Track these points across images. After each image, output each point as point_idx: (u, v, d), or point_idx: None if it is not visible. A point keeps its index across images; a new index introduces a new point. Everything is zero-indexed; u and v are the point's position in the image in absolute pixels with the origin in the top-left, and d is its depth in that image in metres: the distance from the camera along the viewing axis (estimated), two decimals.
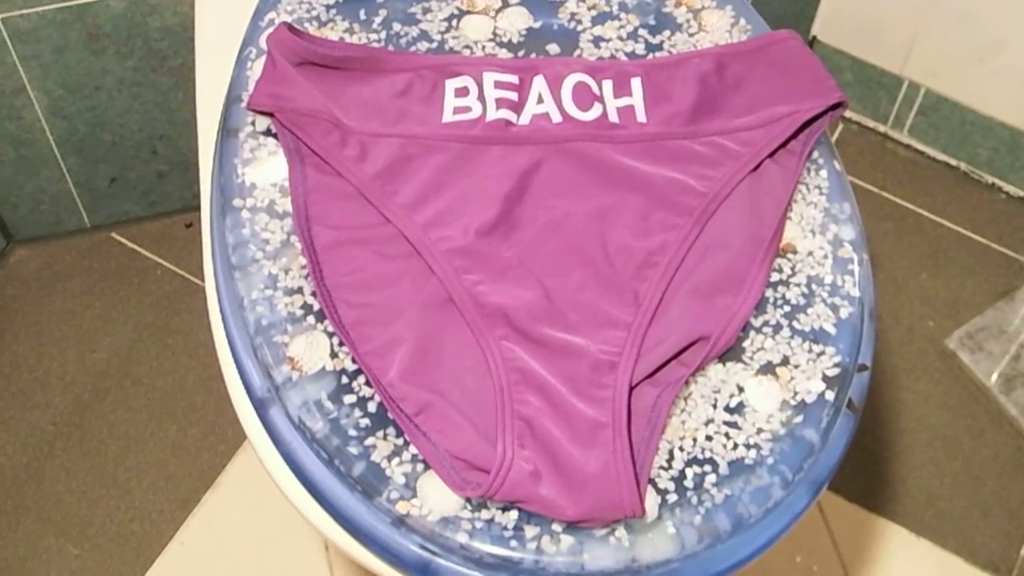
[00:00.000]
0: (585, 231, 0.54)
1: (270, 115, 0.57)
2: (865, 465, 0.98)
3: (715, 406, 0.51)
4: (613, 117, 0.57)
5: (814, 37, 1.17)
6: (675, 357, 0.51)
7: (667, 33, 0.63)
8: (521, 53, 0.62)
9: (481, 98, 0.57)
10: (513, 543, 0.46)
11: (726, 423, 0.50)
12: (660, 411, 0.49)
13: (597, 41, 0.63)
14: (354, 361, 0.51)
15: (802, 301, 0.54)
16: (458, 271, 0.52)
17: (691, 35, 0.63)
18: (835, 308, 0.54)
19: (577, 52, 0.62)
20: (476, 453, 0.47)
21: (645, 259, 0.53)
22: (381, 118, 0.57)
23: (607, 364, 0.49)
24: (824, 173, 0.58)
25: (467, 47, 0.62)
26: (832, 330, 0.53)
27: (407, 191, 0.54)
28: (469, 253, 0.52)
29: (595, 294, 0.52)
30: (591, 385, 0.49)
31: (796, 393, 0.51)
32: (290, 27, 0.58)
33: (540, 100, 0.57)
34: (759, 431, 0.50)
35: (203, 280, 0.58)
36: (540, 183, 0.55)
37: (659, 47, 0.63)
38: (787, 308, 0.54)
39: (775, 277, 0.55)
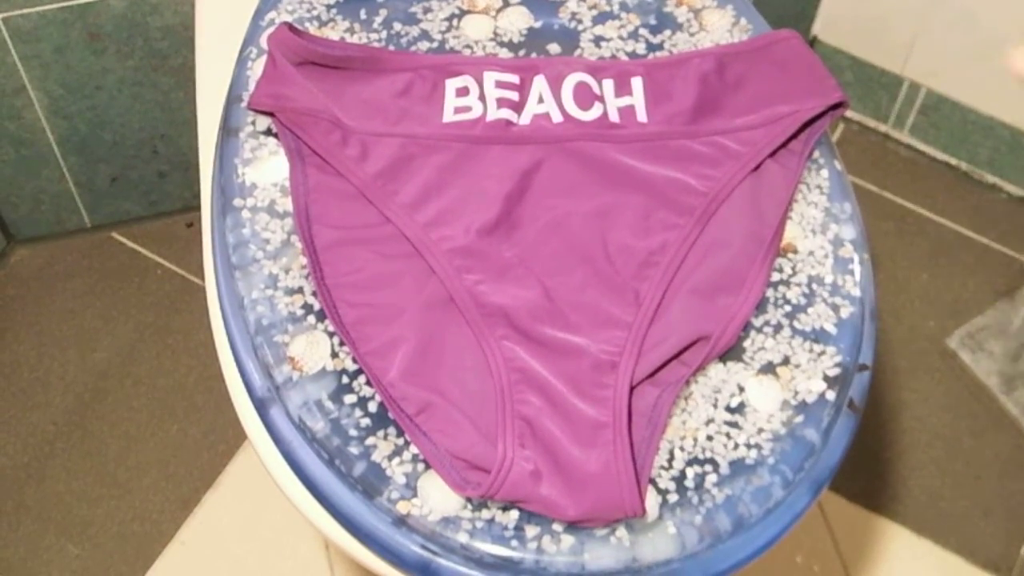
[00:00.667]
0: (586, 231, 0.54)
1: (271, 115, 0.57)
2: (866, 465, 0.98)
3: (716, 406, 0.51)
4: (614, 117, 0.57)
5: (815, 37, 1.17)
6: (676, 357, 0.51)
7: (668, 33, 0.63)
8: (522, 53, 0.62)
9: (482, 98, 0.57)
10: (514, 543, 0.46)
11: (727, 423, 0.50)
12: (661, 411, 0.49)
13: (598, 41, 0.63)
14: (355, 361, 0.51)
15: (803, 301, 0.54)
16: (459, 271, 0.52)
17: (692, 35, 0.63)
18: (836, 308, 0.54)
19: (578, 52, 0.62)
20: (477, 453, 0.47)
21: (646, 259, 0.53)
22: (382, 118, 0.57)
23: (608, 364, 0.49)
24: (825, 173, 0.58)
25: (468, 47, 0.62)
26: (833, 330, 0.53)
27: (408, 191, 0.54)
28: (470, 253, 0.52)
29: (596, 294, 0.52)
30: (592, 385, 0.49)
31: (797, 393, 0.51)
32: (291, 27, 0.58)
33: (541, 100, 0.57)
34: (760, 431, 0.50)
35: (204, 280, 0.58)
36: (541, 183, 0.55)
37: (660, 47, 0.63)
38: (788, 308, 0.54)
39: (776, 277, 0.55)
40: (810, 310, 0.54)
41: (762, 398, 0.51)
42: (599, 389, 0.49)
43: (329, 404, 0.49)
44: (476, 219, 0.53)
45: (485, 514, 0.47)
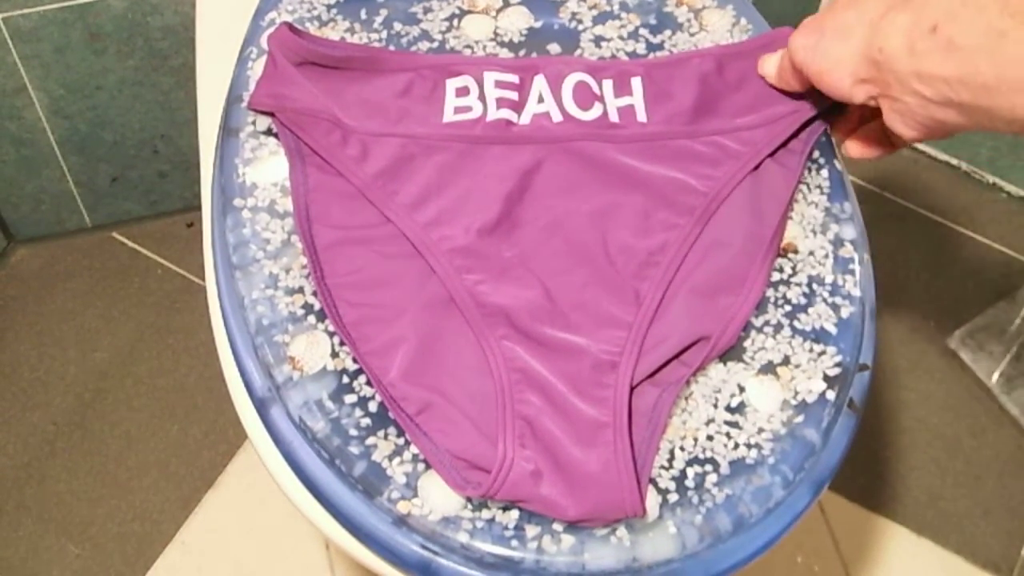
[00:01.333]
0: (586, 231, 0.54)
1: (271, 115, 0.57)
2: (866, 465, 0.98)
3: (716, 406, 0.51)
4: (614, 117, 0.57)
5: None
6: (676, 357, 0.51)
7: (668, 33, 0.63)
8: (522, 53, 0.62)
9: (482, 98, 0.57)
10: (514, 543, 0.46)
11: (727, 423, 0.50)
12: (661, 411, 0.49)
13: (598, 41, 0.63)
14: (355, 361, 0.51)
15: (803, 301, 0.54)
16: (459, 271, 0.52)
17: (692, 35, 0.63)
18: (836, 308, 0.54)
19: (578, 52, 0.62)
20: (477, 453, 0.47)
21: (646, 259, 0.53)
22: (382, 118, 0.57)
23: (608, 364, 0.49)
24: (825, 172, 0.58)
25: (468, 47, 0.62)
26: (833, 329, 0.53)
27: (408, 191, 0.54)
28: (470, 253, 0.52)
29: (596, 293, 0.52)
30: (592, 385, 0.49)
31: (797, 393, 0.51)
32: (291, 27, 0.58)
33: (541, 99, 0.57)
34: (760, 431, 0.50)
35: (204, 280, 0.58)
36: (541, 183, 0.55)
37: (660, 47, 0.63)
38: (788, 308, 0.54)
39: (776, 277, 0.55)
40: (810, 310, 0.54)
41: (762, 398, 0.51)
42: (599, 389, 0.49)
43: (329, 404, 0.49)
44: (476, 219, 0.53)
45: (485, 514, 0.47)
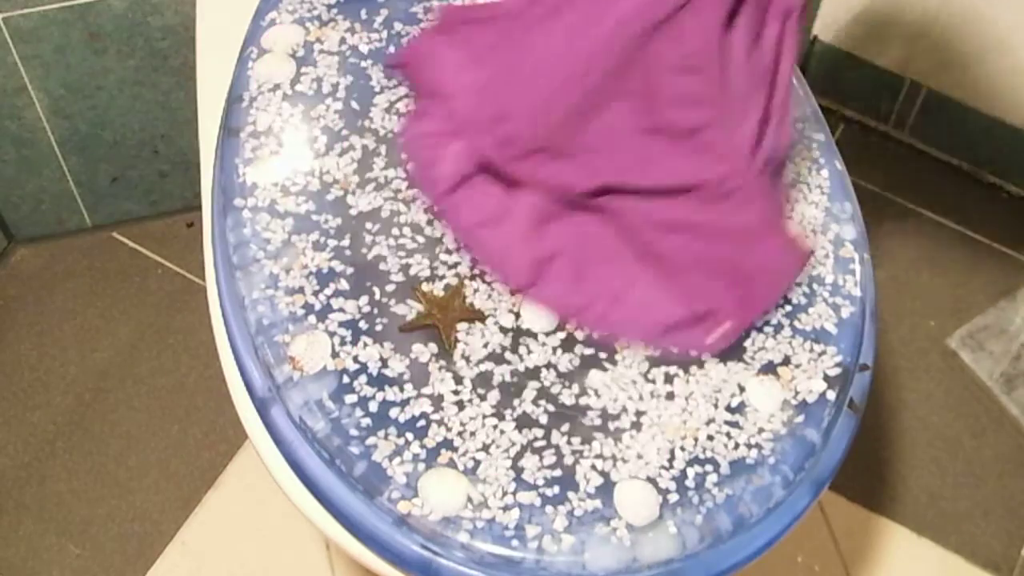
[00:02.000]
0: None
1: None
2: (866, 465, 0.98)
3: (716, 406, 0.51)
4: None
5: (815, 36, 1.17)
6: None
7: None
8: None
9: None
10: (514, 543, 0.46)
11: (727, 423, 0.50)
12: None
13: None
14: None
15: (803, 301, 0.54)
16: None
17: None
18: (836, 308, 0.54)
19: None
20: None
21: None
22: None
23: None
24: (825, 173, 0.58)
25: None
26: (833, 330, 0.53)
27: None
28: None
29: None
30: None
31: (797, 393, 0.51)
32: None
33: None
34: (760, 431, 0.50)
35: (204, 280, 0.58)
36: None
37: None
38: (788, 308, 0.54)
39: None
40: (811, 310, 0.54)
41: (763, 398, 0.51)
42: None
43: (330, 404, 0.49)
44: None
45: (485, 514, 0.47)
